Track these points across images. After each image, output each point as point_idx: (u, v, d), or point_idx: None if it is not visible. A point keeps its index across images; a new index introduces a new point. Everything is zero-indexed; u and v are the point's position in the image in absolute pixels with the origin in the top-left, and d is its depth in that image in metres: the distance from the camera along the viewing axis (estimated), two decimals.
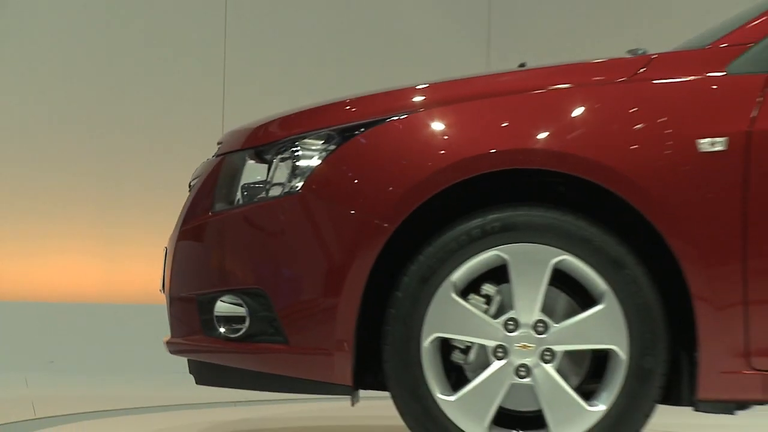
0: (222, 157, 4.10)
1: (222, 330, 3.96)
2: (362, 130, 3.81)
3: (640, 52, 4.01)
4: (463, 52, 8.17)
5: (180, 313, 4.11)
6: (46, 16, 8.25)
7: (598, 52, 4.50)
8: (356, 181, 3.79)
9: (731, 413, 3.83)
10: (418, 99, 3.88)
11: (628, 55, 4.04)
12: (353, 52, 8.40)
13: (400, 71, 7.78)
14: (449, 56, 8.13)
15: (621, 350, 3.68)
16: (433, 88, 3.93)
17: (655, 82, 3.78)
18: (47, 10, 8.26)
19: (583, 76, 3.86)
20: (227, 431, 5.08)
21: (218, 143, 4.28)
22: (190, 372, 4.15)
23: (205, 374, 4.10)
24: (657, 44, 4.40)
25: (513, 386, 3.72)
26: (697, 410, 3.76)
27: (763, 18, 3.82)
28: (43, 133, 8.19)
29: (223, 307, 3.95)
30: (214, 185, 4.07)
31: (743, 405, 3.81)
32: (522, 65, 4.17)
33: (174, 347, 4.14)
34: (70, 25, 8.25)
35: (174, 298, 4.12)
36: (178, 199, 4.27)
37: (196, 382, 4.16)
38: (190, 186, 4.28)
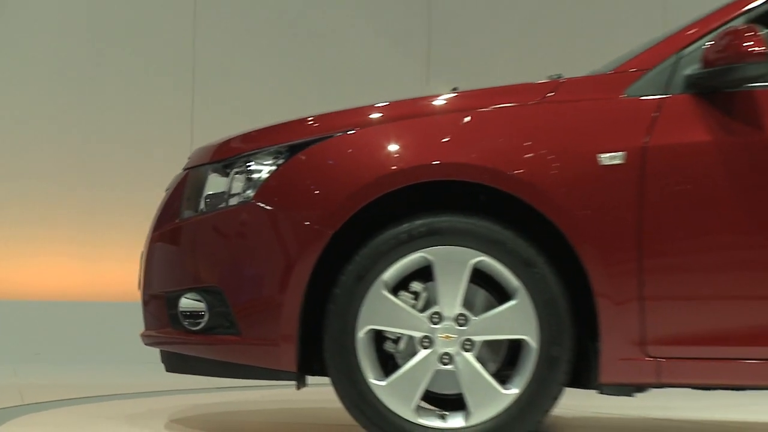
0: (189, 170, 4.32)
1: (186, 323, 4.14)
2: (306, 147, 4.01)
3: (555, 76, 4.18)
4: (404, 76, 8.31)
5: (152, 308, 4.30)
6: (32, 33, 8.31)
7: (529, 73, 4.66)
8: (299, 192, 3.98)
9: (630, 395, 4.02)
10: (350, 121, 4.06)
11: (545, 79, 4.20)
12: (309, 74, 8.50)
13: (348, 93, 7.92)
14: (392, 79, 8.26)
15: (532, 340, 3.87)
16: (363, 110, 4.12)
17: (562, 103, 3.97)
18: (32, 28, 8.32)
19: (502, 99, 4.06)
20: (196, 414, 5.16)
21: (189, 158, 4.47)
22: (162, 361, 4.34)
23: (174, 363, 4.29)
24: (586, 66, 4.56)
25: (437, 372, 3.89)
26: (600, 393, 3.94)
27: (656, 47, 4.02)
28: (31, 147, 8.25)
29: (186, 303, 4.13)
30: (181, 195, 4.28)
31: (641, 388, 4.00)
32: (454, 89, 4.35)
33: (147, 339, 4.35)
34: (54, 43, 8.32)
35: (147, 296, 4.33)
36: (153, 206, 4.44)
37: (166, 370, 4.33)
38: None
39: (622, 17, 8.21)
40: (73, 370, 7.20)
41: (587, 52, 4.73)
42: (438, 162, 3.90)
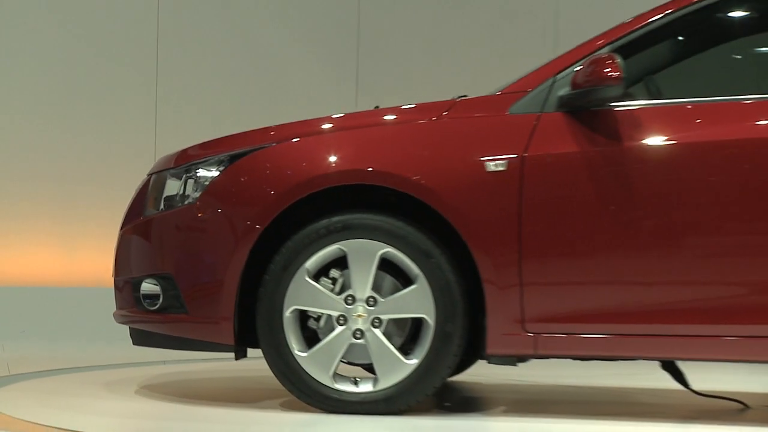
0: (152, 175, 4.66)
1: (145, 304, 4.47)
2: (242, 156, 4.34)
3: (458, 97, 4.44)
4: (334, 94, 8.54)
5: (121, 292, 4.64)
6: (10, 39, 8.41)
7: (450, 92, 4.92)
8: (235, 194, 4.30)
9: (514, 365, 4.34)
10: (279, 135, 4.38)
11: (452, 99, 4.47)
12: (255, 90, 8.65)
13: (286, 108, 8.12)
14: (324, 97, 8.46)
15: (429, 318, 4.18)
16: (290, 126, 4.42)
17: (456, 120, 4.28)
18: (10, 35, 8.41)
19: (409, 115, 4.38)
20: (161, 382, 5.37)
21: (154, 165, 4.81)
22: (130, 336, 4.65)
23: (139, 338, 4.61)
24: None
25: (352, 345, 4.22)
26: (489, 362, 4.28)
27: (537, 72, 4.32)
28: (11, 149, 8.36)
29: (146, 287, 4.46)
30: (145, 196, 4.62)
31: (522, 359, 4.33)
32: (376, 107, 4.65)
33: (118, 318, 4.69)
34: (32, 52, 8.39)
35: (117, 281, 4.66)
36: (124, 202, 4.74)
37: (133, 344, 4.65)
38: None
39: (521, 44, 8.51)
40: (54, 346, 7.33)
41: (500, 74, 5.00)
42: (349, 169, 4.23)
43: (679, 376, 4.72)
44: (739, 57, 4.60)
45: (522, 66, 4.67)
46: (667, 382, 4.76)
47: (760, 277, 4.08)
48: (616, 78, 4.05)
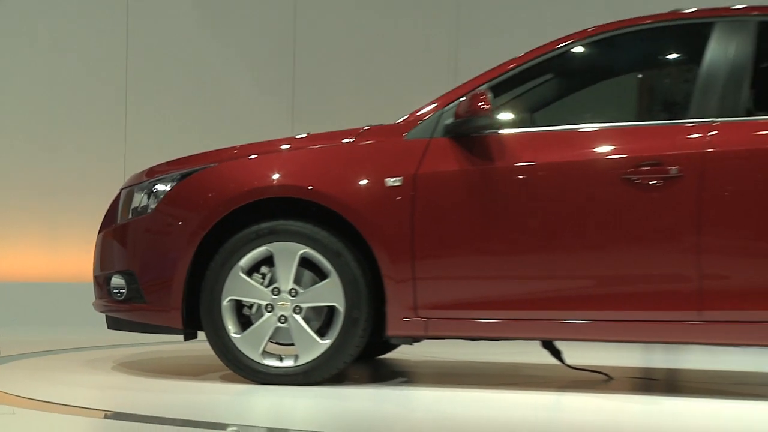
0: (122, 189, 5.20)
1: (114, 295, 4.99)
2: (190, 175, 4.87)
3: (368, 126, 4.92)
4: (271, 120, 8.99)
5: (98, 285, 5.16)
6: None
7: (373, 119, 5.34)
8: (183, 205, 4.83)
9: (410, 344, 4.88)
10: (219, 157, 4.89)
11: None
12: (205, 115, 9.06)
13: (228, 133, 8.28)
14: (263, 123, 8.91)
15: (340, 306, 4.68)
16: (230, 150, 4.94)
17: (363, 143, 4.80)
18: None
19: (329, 140, 4.89)
20: (135, 360, 5.79)
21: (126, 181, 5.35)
22: (106, 322, 5.16)
23: (112, 323, 5.12)
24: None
25: (278, 328, 4.73)
26: (390, 342, 4.81)
27: (428, 105, 4.83)
28: (3, 161, 8.64)
29: (114, 281, 4.99)
30: (117, 207, 5.16)
31: (417, 339, 4.86)
32: (308, 133, 5.09)
33: (96, 307, 5.21)
34: (17, 69, 8.70)
35: (95, 276, 5.20)
36: (102, 209, 5.22)
37: (108, 328, 5.15)
38: None
39: (431, 78, 9.07)
40: (39, 331, 7.53)
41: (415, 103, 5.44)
42: (269, 185, 4.75)
43: (556, 353, 5.23)
44: (587, 93, 5.15)
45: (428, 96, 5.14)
46: (547, 358, 5.27)
47: (606, 272, 4.59)
48: (486, 110, 4.59)
